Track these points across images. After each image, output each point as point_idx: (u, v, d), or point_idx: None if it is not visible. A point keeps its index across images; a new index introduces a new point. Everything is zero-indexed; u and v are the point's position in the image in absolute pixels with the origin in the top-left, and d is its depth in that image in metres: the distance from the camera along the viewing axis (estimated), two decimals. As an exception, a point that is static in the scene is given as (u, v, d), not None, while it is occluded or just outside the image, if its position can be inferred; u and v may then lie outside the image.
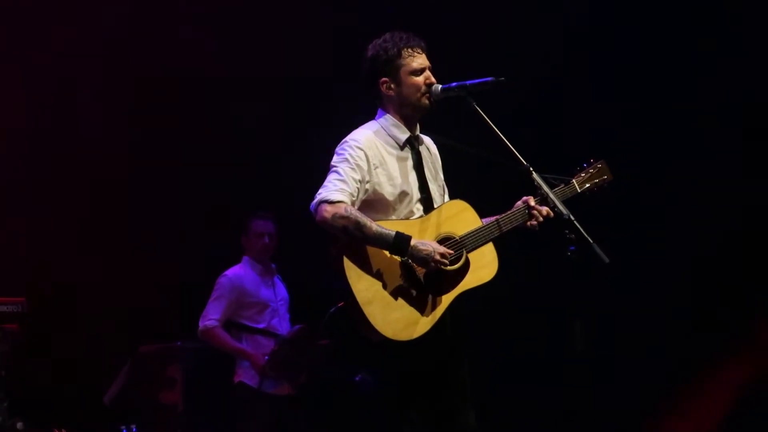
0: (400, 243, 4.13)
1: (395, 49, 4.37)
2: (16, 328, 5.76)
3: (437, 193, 4.46)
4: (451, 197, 4.53)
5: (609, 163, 4.61)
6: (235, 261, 7.02)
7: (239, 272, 6.95)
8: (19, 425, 5.65)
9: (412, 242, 4.14)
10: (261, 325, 6.84)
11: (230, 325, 6.81)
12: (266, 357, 6.65)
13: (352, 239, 4.15)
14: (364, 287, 4.13)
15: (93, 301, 7.43)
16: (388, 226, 4.17)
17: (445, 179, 4.59)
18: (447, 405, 4.31)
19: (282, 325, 6.91)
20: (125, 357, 7.05)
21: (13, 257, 7.05)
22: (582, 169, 4.56)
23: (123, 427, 5.73)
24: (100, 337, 7.30)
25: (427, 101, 4.36)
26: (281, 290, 7.04)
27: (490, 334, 6.79)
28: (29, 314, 5.83)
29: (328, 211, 4.16)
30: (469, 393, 4.35)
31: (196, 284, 7.06)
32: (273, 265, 7.05)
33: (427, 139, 4.54)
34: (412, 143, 4.43)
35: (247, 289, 6.87)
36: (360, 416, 6.57)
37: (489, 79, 4.29)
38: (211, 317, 6.76)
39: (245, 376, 6.74)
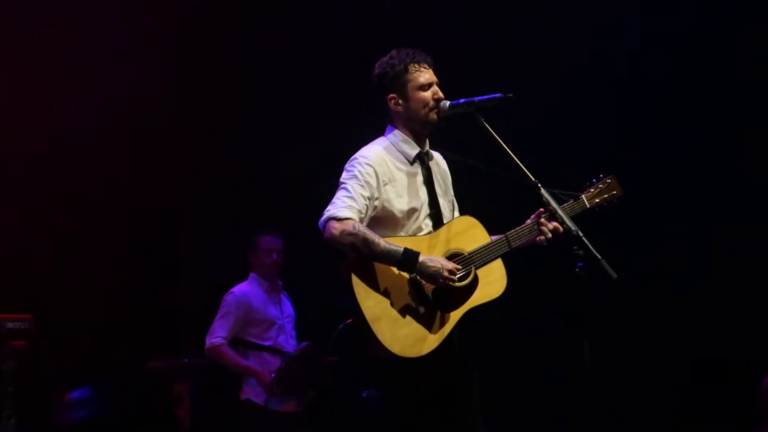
0: (408, 259, 4.12)
1: (402, 65, 4.37)
2: (24, 345, 5.75)
3: (447, 209, 4.45)
4: (461, 213, 4.52)
5: (618, 179, 4.59)
6: (242, 278, 7.01)
7: (246, 289, 6.94)
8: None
9: (421, 258, 4.13)
10: (267, 343, 6.83)
11: (237, 342, 6.80)
12: (272, 374, 6.64)
13: (360, 256, 4.14)
14: (372, 304, 4.12)
15: (98, 317, 7.41)
16: (396, 243, 4.17)
17: (455, 195, 4.57)
18: (457, 422, 4.29)
19: (288, 342, 6.90)
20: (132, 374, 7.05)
21: (18, 274, 7.05)
22: (591, 185, 4.51)
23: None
24: (106, 353, 7.29)
25: (435, 116, 4.35)
26: (287, 307, 7.03)
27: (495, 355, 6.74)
28: (36, 331, 5.82)
29: (336, 227, 4.15)
30: (479, 410, 4.33)
31: (204, 300, 7.05)
32: (280, 282, 7.04)
33: (437, 155, 4.53)
34: (422, 158, 4.41)
35: (254, 306, 6.86)
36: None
37: (497, 95, 4.29)
38: (217, 335, 6.75)
39: (252, 393, 6.73)
